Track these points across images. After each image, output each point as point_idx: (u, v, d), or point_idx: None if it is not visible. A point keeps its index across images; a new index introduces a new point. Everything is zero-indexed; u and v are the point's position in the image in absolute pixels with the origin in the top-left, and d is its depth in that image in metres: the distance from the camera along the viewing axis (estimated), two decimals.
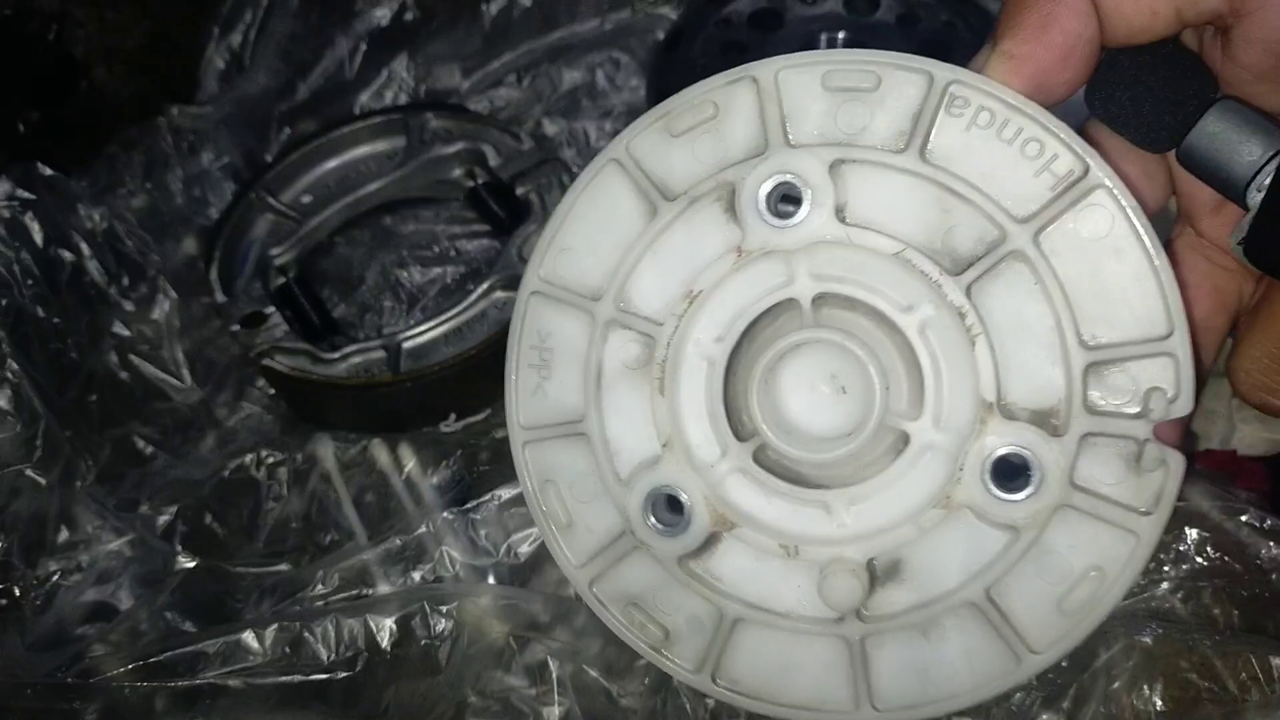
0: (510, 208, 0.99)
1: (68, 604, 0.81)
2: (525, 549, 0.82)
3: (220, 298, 0.95)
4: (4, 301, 0.88)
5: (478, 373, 0.90)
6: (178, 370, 0.98)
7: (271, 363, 0.92)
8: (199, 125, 1.09)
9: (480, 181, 1.00)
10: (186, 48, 1.22)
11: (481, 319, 0.92)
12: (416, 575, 0.82)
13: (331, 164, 1.06)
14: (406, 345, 0.92)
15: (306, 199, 1.05)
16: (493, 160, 1.02)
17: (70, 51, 1.23)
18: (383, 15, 1.14)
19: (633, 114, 1.12)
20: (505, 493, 0.84)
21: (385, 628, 0.74)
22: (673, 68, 1.05)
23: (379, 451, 0.93)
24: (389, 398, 0.91)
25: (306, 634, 0.73)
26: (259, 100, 1.12)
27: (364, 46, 1.14)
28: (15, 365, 0.84)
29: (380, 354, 0.92)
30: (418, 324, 0.92)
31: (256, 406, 0.98)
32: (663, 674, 0.67)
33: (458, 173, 1.02)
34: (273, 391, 0.98)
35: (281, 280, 0.98)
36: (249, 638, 0.74)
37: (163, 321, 0.98)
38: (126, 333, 0.97)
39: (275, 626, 0.74)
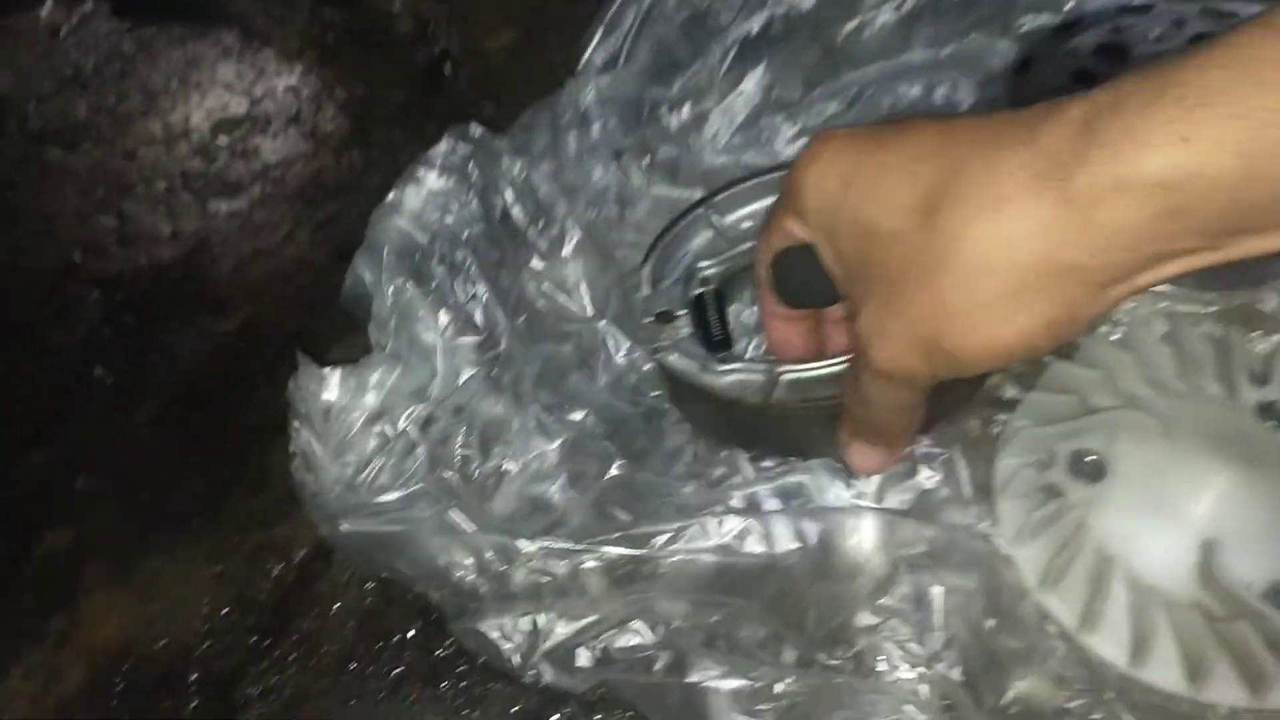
0: None
1: (511, 493, 0.95)
2: None
3: (646, 290, 1.04)
4: (467, 233, 1.03)
5: None
6: (582, 302, 1.11)
7: (670, 359, 0.99)
8: (588, 99, 1.23)
9: None
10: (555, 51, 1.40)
11: None
12: None
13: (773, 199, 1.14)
14: (785, 378, 0.94)
15: (746, 225, 1.11)
16: None
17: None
18: (751, 28, 1.28)
19: None
20: None
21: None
22: (1025, 91, 1.16)
23: None
24: (759, 420, 0.96)
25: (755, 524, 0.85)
26: (635, 86, 1.27)
27: (732, 52, 1.28)
28: (484, 287, 0.99)
29: (759, 378, 0.95)
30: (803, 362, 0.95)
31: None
32: None
33: None
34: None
35: (699, 291, 1.05)
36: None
37: (569, 260, 1.12)
38: (539, 266, 1.11)
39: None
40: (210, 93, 1.44)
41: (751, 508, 0.94)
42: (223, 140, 1.38)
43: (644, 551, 0.86)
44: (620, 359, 1.08)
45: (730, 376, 0.97)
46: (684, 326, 1.02)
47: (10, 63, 1.52)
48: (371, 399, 0.94)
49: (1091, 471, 0.89)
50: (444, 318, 0.97)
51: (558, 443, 0.96)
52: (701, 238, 1.13)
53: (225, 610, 0.98)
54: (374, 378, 0.94)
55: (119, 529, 1.04)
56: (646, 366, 1.09)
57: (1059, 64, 1.18)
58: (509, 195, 1.12)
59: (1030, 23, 1.28)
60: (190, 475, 1.07)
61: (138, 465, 1.09)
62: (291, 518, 1.02)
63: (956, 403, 1.00)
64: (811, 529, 0.88)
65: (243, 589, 0.99)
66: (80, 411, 1.13)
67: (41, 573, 1.02)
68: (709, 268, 1.08)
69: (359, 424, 0.93)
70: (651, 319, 1.02)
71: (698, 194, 1.24)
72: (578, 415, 0.99)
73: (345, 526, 0.88)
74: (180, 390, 1.14)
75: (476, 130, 1.13)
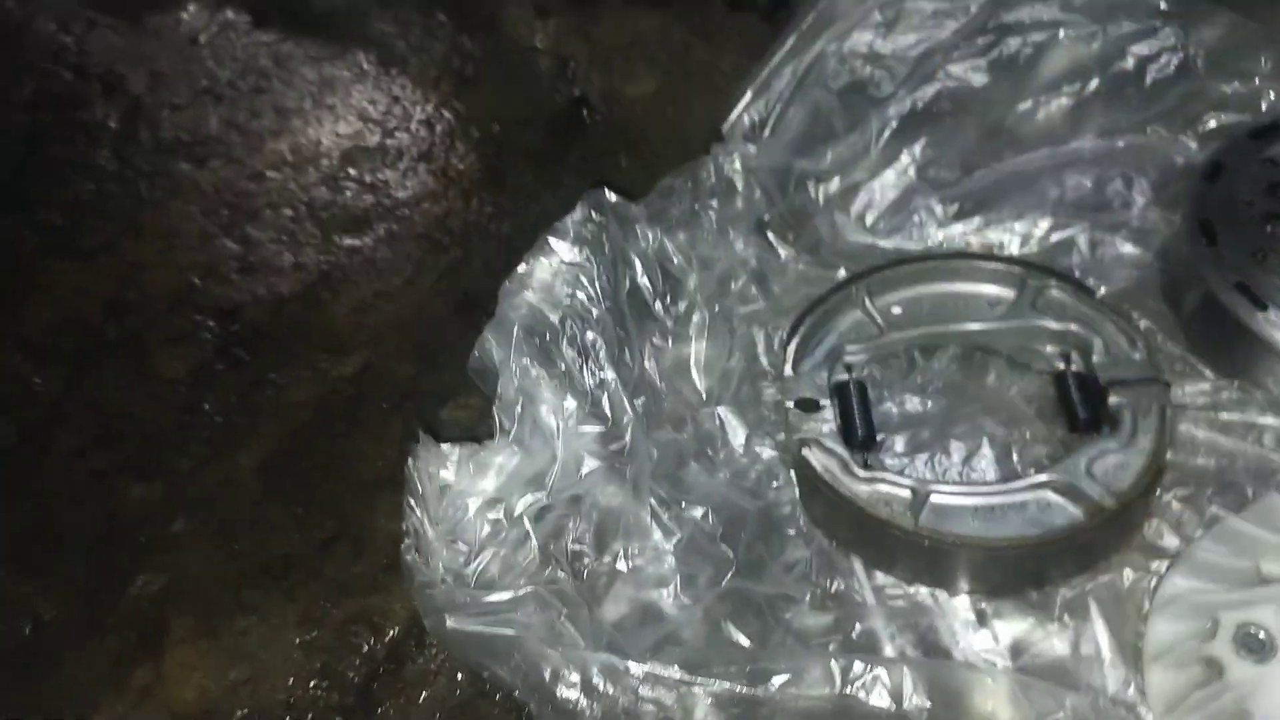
0: (1094, 410, 0.95)
1: (623, 597, 0.89)
2: None
3: (789, 371, 1.00)
4: (596, 313, 0.98)
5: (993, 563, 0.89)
6: (700, 385, 1.05)
7: (809, 454, 0.94)
8: (734, 166, 1.16)
9: (1072, 369, 0.98)
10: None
11: (1018, 510, 0.89)
12: None
13: (935, 288, 1.08)
14: (934, 499, 0.90)
15: (896, 310, 1.07)
16: (1097, 354, 0.99)
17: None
18: (916, 101, 1.20)
19: (1145, 231, 1.15)
20: None
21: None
22: (1213, 199, 1.06)
23: None
24: (900, 542, 0.90)
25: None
26: (784, 155, 1.20)
27: (892, 125, 1.20)
28: (611, 374, 0.94)
29: (906, 494, 0.90)
30: (953, 482, 0.93)
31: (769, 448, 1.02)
32: None
33: (1053, 349, 1.00)
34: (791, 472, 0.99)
35: (844, 377, 1.01)
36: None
37: (693, 340, 1.06)
38: (663, 344, 1.06)
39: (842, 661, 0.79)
40: (343, 118, 1.41)
41: (872, 644, 0.88)
42: (352, 170, 1.35)
43: (760, 691, 0.80)
44: (739, 447, 1.01)
45: (874, 485, 0.91)
46: (827, 419, 0.96)
47: (148, 65, 1.51)
48: (489, 483, 0.90)
49: (1259, 649, 0.81)
50: (570, 404, 0.91)
51: (673, 541, 0.91)
52: (849, 318, 1.09)
53: (311, 683, 0.94)
54: (495, 461, 0.89)
55: (211, 579, 1.01)
56: (766, 455, 1.02)
57: (1253, 174, 1.08)
58: (639, 266, 1.06)
59: (1218, 120, 1.18)
60: (290, 529, 1.04)
61: (237, 512, 1.06)
62: (389, 589, 0.98)
63: (1110, 549, 0.92)
64: (941, 685, 0.80)
65: (330, 661, 0.95)
66: (184, 448, 1.11)
67: (130, 617, 0.99)
68: (856, 353, 1.04)
69: (473, 508, 0.89)
70: (793, 405, 0.97)
71: (839, 273, 1.16)
72: (696, 512, 0.94)
73: (451, 623, 0.83)
74: (288, 435, 1.11)
75: (611, 197, 1.07)
